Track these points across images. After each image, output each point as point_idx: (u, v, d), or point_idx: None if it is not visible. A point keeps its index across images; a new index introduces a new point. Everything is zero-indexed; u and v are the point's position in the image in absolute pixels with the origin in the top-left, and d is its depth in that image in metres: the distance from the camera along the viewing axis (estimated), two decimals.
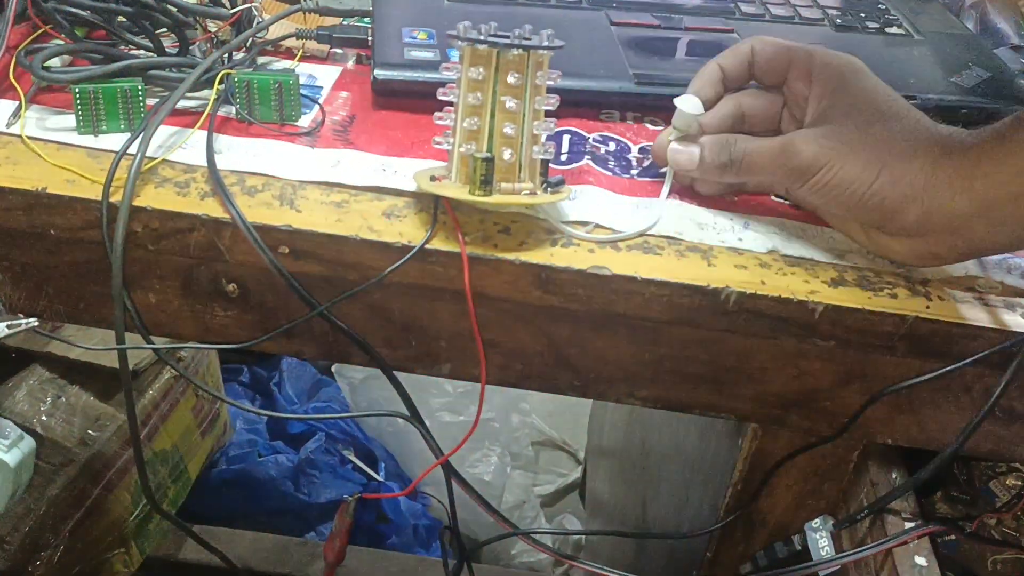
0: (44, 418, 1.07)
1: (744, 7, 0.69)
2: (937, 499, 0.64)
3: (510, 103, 0.46)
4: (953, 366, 0.47)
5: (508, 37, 0.46)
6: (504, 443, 1.50)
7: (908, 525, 0.50)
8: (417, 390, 1.34)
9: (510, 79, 0.46)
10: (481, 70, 0.46)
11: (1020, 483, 0.62)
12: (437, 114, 0.48)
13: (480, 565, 1.33)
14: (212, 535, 1.20)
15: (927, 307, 0.48)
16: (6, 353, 1.08)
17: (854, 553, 0.49)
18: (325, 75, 0.60)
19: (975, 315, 0.48)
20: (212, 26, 0.58)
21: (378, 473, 1.39)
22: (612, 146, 0.57)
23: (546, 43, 0.46)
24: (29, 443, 0.65)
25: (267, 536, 1.22)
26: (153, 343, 0.49)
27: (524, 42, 0.46)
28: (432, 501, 1.43)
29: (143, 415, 1.08)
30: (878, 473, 0.53)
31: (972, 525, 0.54)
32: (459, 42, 0.46)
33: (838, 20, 0.69)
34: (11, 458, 0.63)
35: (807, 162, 0.46)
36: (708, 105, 0.52)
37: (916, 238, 0.46)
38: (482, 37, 0.45)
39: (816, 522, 0.53)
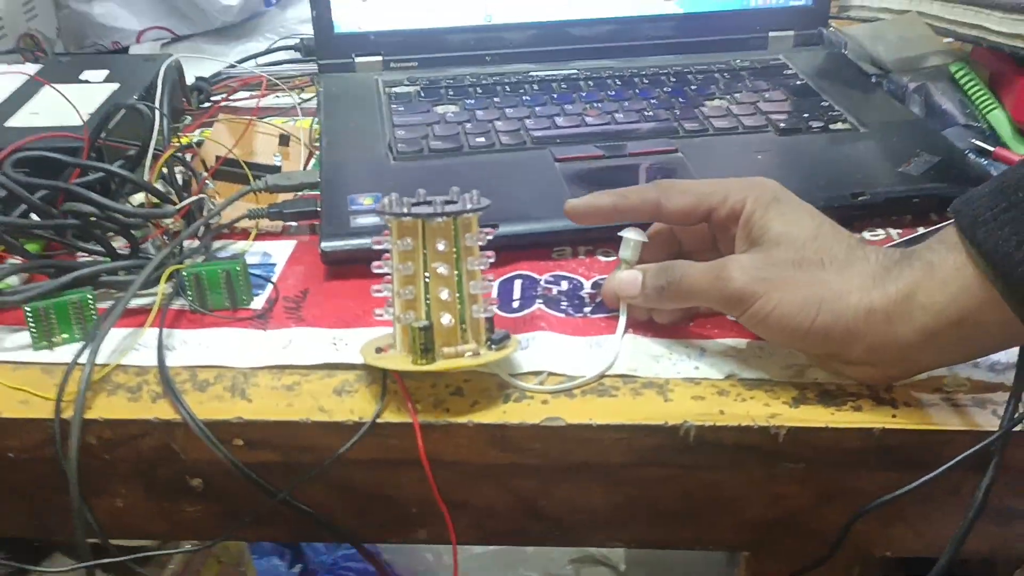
0: None
1: (687, 124, 0.70)
2: None
3: (442, 269, 0.47)
4: (928, 476, 0.45)
5: (431, 204, 0.47)
6: (540, 567, 1.46)
7: None
8: None
9: (439, 246, 0.47)
10: (409, 240, 0.47)
11: None
12: (375, 287, 0.48)
13: None
14: None
15: (893, 416, 0.46)
16: (29, 544, 1.08)
17: None
18: (279, 251, 0.62)
19: (944, 419, 0.46)
20: (165, 220, 0.60)
21: None
22: (564, 285, 0.57)
23: (470, 206, 0.47)
24: None
25: None
26: (115, 554, 0.49)
27: (447, 208, 0.46)
28: None
29: None
30: None
31: None
32: (385, 216, 0.47)
33: (781, 124, 0.70)
34: None
35: (740, 292, 0.46)
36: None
37: (867, 366, 0.46)
38: (405, 210, 0.46)
39: None
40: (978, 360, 0.49)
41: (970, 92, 0.72)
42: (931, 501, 0.49)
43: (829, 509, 0.49)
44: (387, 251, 0.48)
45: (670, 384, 0.49)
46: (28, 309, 0.51)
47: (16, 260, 0.56)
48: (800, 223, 0.47)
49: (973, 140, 0.68)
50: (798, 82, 0.77)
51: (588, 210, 0.53)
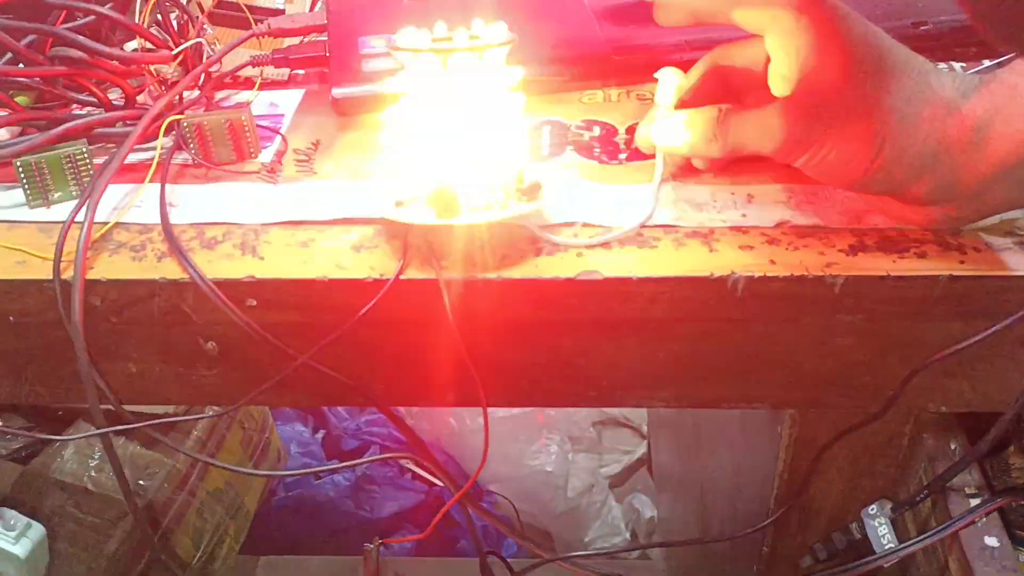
0: (93, 474, 1.07)
1: None
2: (1011, 453, 0.59)
3: (469, 110, 0.42)
4: (1002, 324, 0.42)
5: (453, 39, 0.42)
6: (563, 429, 1.47)
7: (973, 502, 0.45)
8: None
9: (463, 85, 0.42)
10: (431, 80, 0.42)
11: None
12: (387, 133, 0.44)
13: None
14: (279, 565, 1.20)
15: (961, 262, 0.42)
16: (53, 412, 1.08)
17: (916, 542, 0.45)
18: (287, 101, 0.57)
19: (1018, 263, 0.42)
20: (161, 67, 0.55)
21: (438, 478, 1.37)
22: (597, 131, 0.52)
23: (497, 40, 0.42)
24: (38, 530, 0.64)
25: (334, 559, 1.21)
26: (131, 420, 0.47)
27: (473, 42, 0.42)
28: (498, 498, 1.41)
29: (190, 458, 1.07)
30: (935, 446, 0.49)
31: None
32: (402, 52, 0.42)
33: None
34: (20, 549, 0.61)
35: (795, 139, 0.41)
36: None
37: (933, 206, 0.41)
38: (424, 45, 0.41)
39: (873, 508, 0.49)
40: None
41: None
42: (997, 352, 0.46)
43: (886, 363, 0.46)
44: (403, 93, 0.44)
45: (715, 233, 0.45)
46: (19, 164, 0.47)
47: (4, 113, 0.51)
48: (865, 49, 0.41)
49: None
50: None
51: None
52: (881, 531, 0.47)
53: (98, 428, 0.45)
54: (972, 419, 0.51)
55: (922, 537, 0.44)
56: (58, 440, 0.86)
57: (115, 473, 0.47)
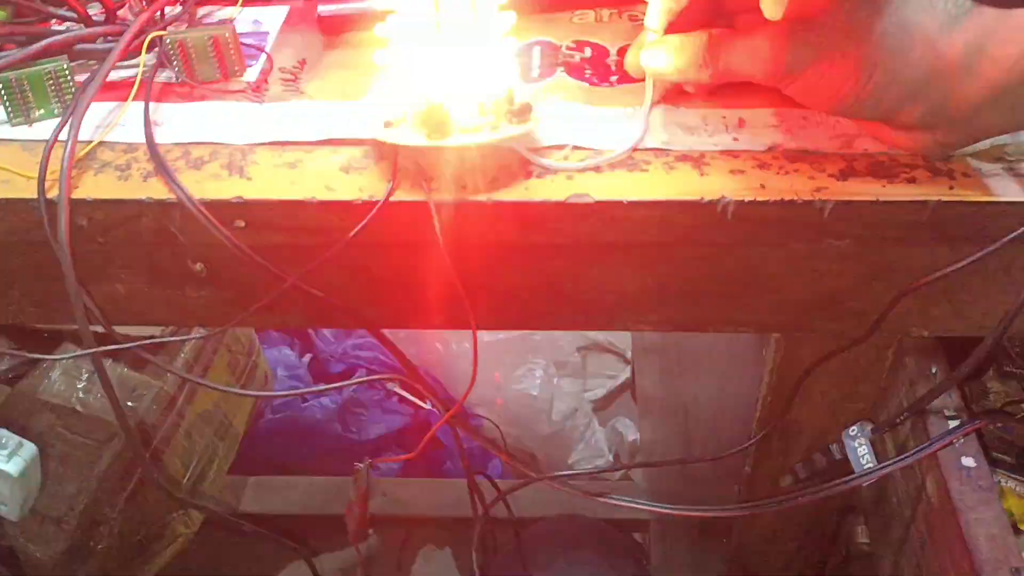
0: (81, 395, 1.07)
1: None
2: (990, 377, 0.60)
3: (458, 29, 0.41)
4: (985, 251, 0.42)
5: None
6: (548, 354, 1.48)
7: (951, 424, 0.46)
8: None
9: (453, 2, 0.41)
10: None
11: None
12: (378, 52, 0.43)
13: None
14: (268, 485, 1.22)
15: (951, 188, 0.43)
16: (39, 334, 1.08)
17: (895, 462, 0.46)
18: (271, 17, 0.56)
19: (1006, 189, 0.43)
20: None
21: (425, 401, 1.39)
22: (588, 52, 0.52)
23: None
24: (30, 449, 0.64)
25: (321, 480, 1.23)
26: (119, 341, 0.47)
27: None
28: (484, 422, 1.43)
29: (178, 380, 1.07)
30: (916, 370, 0.49)
31: None
32: None
33: None
34: (13, 467, 0.62)
35: (785, 65, 0.41)
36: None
37: (923, 131, 0.41)
38: None
39: (853, 429, 0.50)
40: None
41: None
42: (981, 278, 0.46)
43: (872, 288, 0.47)
44: (392, 11, 0.43)
45: (706, 157, 0.45)
46: None
47: None
48: None
49: None
50: None
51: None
52: (861, 451, 0.48)
53: (87, 349, 0.45)
54: (953, 343, 0.52)
55: (901, 457, 0.45)
56: (47, 360, 0.85)
57: (106, 393, 0.47)
